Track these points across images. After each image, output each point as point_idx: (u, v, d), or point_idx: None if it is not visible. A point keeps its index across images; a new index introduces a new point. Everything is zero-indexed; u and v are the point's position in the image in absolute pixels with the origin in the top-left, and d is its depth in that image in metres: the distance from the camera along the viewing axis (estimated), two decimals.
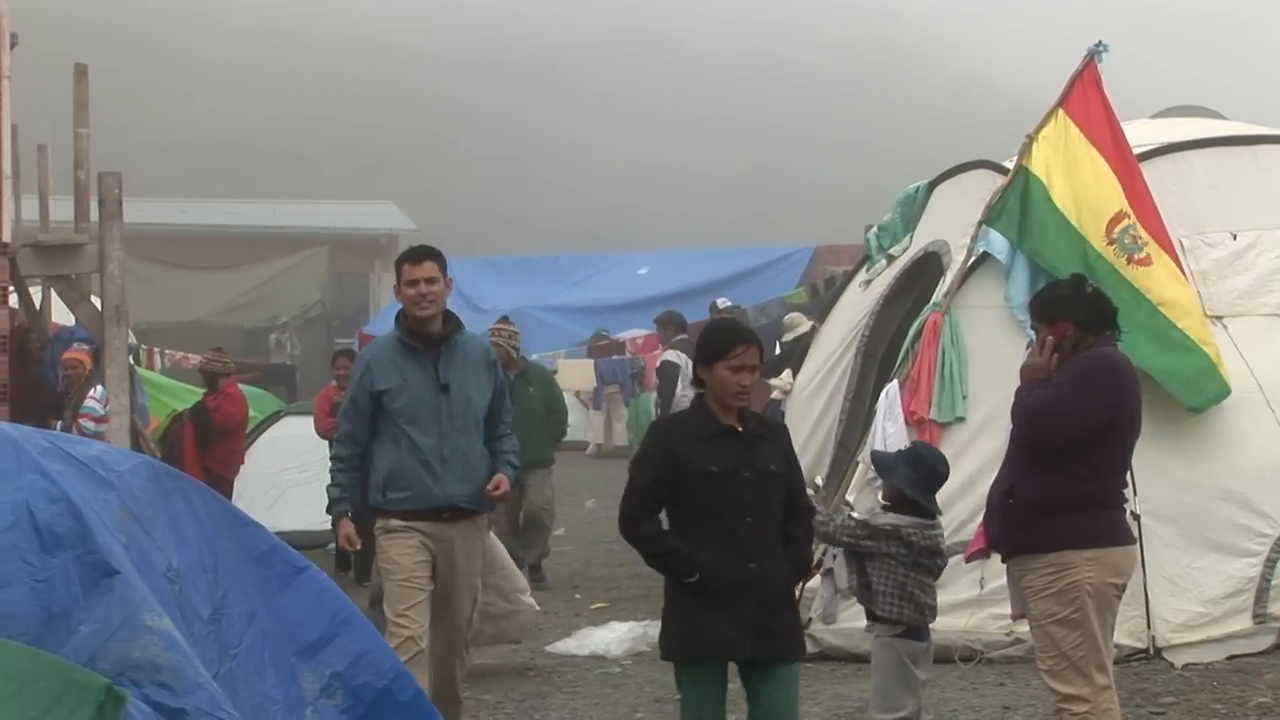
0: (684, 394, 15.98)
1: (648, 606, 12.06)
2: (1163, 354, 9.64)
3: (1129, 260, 9.79)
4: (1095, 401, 6.43)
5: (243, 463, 14.59)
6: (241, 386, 15.66)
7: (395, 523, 7.67)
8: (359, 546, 8.16)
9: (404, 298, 7.73)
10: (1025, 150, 10.16)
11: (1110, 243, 9.83)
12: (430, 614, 7.83)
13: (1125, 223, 9.87)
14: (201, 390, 16.04)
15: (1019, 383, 6.69)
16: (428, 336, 7.70)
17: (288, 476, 15.21)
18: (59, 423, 12.75)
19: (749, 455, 6.10)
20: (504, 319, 13.73)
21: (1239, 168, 10.73)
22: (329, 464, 8.02)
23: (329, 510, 8.07)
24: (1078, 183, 10.02)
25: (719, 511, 6.04)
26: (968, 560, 8.06)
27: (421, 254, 7.75)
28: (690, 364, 16.05)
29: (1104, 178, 10.03)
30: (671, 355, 16.25)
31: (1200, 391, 9.71)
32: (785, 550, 6.16)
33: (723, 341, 6.18)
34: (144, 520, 5.18)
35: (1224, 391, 9.74)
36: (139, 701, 4.56)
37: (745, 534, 6.03)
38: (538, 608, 10.02)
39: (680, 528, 6.15)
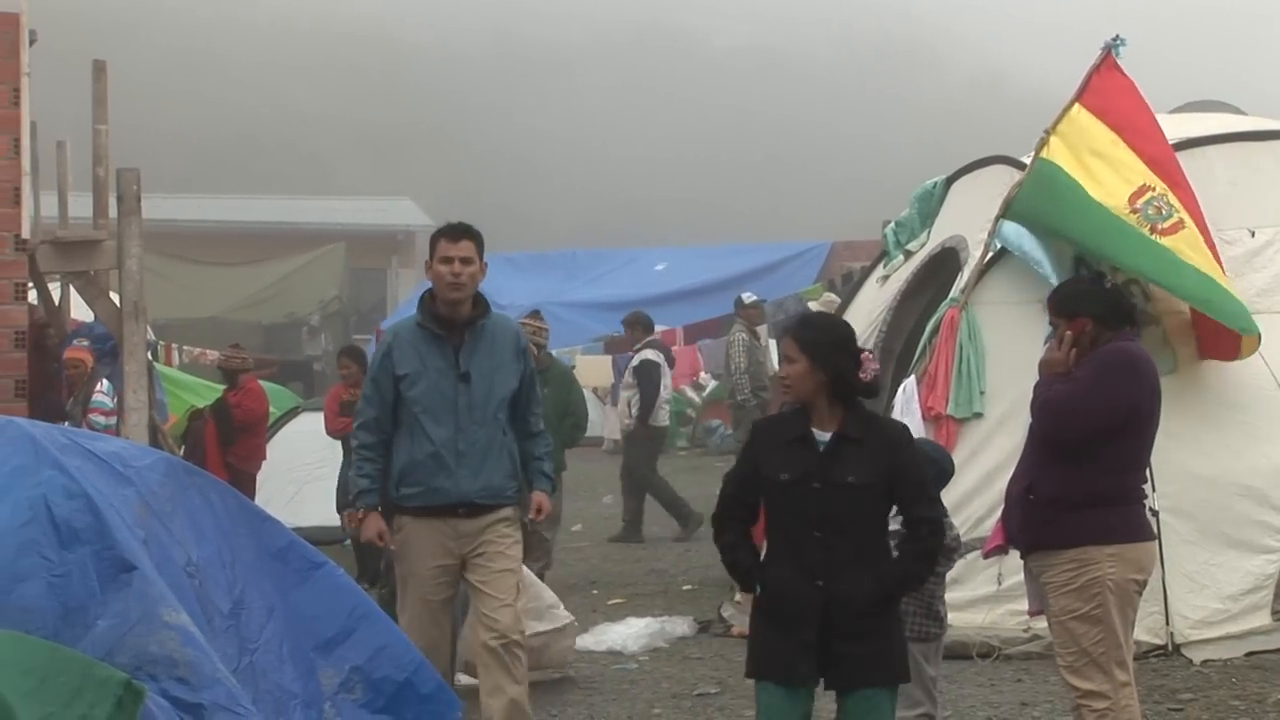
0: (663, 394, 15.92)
1: (664, 603, 12.07)
2: (1204, 290, 9.59)
3: (1152, 230, 9.71)
4: (1114, 397, 6.42)
5: (265, 458, 14.61)
6: (260, 382, 15.68)
7: (408, 520, 7.24)
8: (393, 545, 7.53)
9: (435, 275, 7.25)
10: (1042, 144, 10.13)
11: (1133, 212, 9.76)
12: (467, 620, 7.41)
13: (1149, 195, 9.78)
14: (219, 386, 16.06)
15: (1037, 378, 6.68)
16: (451, 322, 7.23)
17: (305, 472, 15.22)
18: (66, 422, 12.74)
19: (822, 464, 5.62)
20: (534, 314, 13.45)
21: (1258, 164, 10.69)
22: (354, 454, 7.45)
23: (354, 502, 7.41)
24: (1097, 164, 9.97)
25: (787, 523, 5.66)
26: (985, 556, 8.03)
27: (460, 231, 7.26)
28: (666, 363, 16.00)
29: (1125, 156, 9.97)
30: (650, 354, 16.08)
31: (1244, 319, 9.56)
32: (879, 566, 5.65)
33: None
34: (163, 515, 5.20)
35: (1256, 330, 9.61)
36: (156, 696, 4.57)
37: (812, 549, 5.59)
38: (574, 621, 9.63)
39: (768, 533, 5.77)
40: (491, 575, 7.22)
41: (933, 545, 5.78)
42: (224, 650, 5.12)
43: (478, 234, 7.31)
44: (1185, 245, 9.66)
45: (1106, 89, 10.11)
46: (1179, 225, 9.71)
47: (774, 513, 5.70)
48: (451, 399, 7.16)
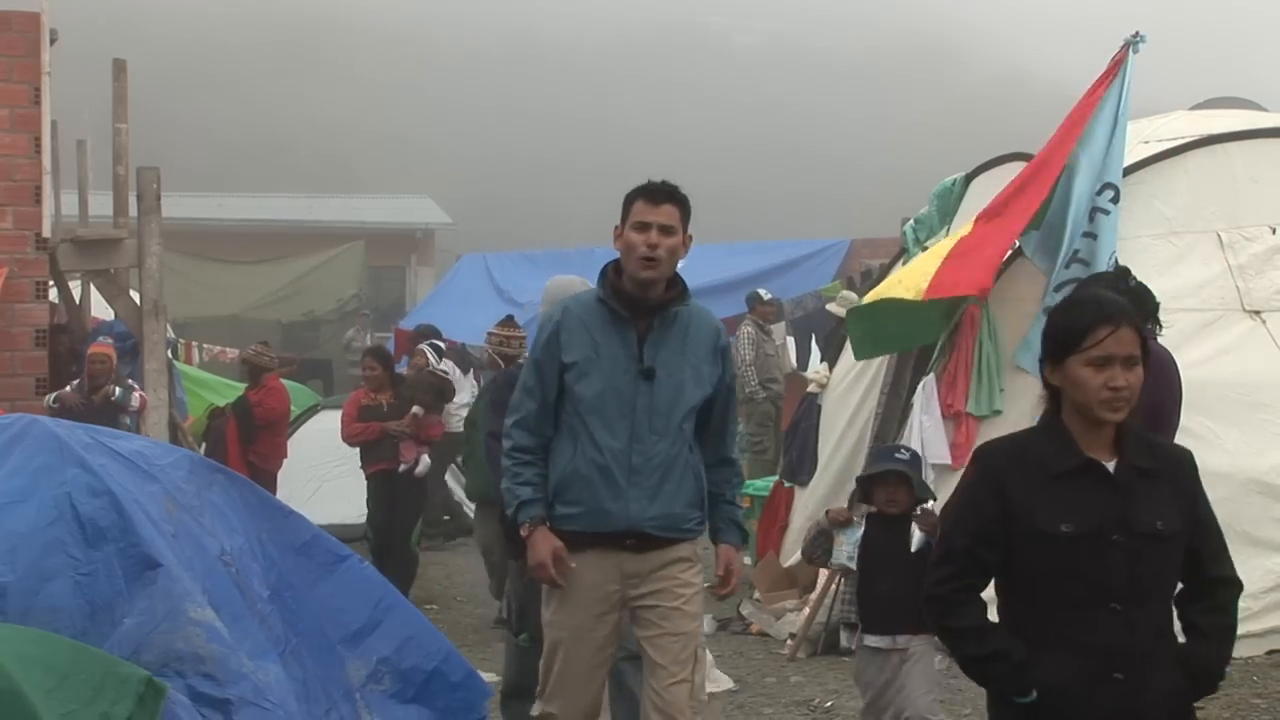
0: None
1: None
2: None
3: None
4: (1140, 394, 6.40)
5: (286, 456, 14.59)
6: (282, 380, 15.66)
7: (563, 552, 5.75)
8: (566, 575, 5.74)
9: (626, 245, 5.75)
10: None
11: None
12: (628, 690, 6.11)
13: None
14: (239, 385, 16.07)
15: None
16: (639, 303, 5.76)
17: (325, 470, 15.25)
18: (128, 419, 12.63)
19: (1123, 508, 4.01)
20: (506, 321, 11.96)
21: (1278, 161, 10.66)
22: (506, 458, 5.84)
23: (513, 517, 5.81)
24: None
25: (1070, 594, 3.99)
26: None
27: (663, 194, 5.79)
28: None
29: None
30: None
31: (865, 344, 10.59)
32: (1181, 649, 4.16)
33: (1078, 324, 4.08)
34: (191, 510, 5.23)
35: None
36: (180, 694, 4.60)
37: (1110, 629, 3.98)
38: (732, 684, 8.24)
39: (1011, 610, 4.12)
40: (665, 639, 5.76)
41: (1234, 616, 4.29)
42: (270, 633, 5.15)
43: (684, 199, 5.88)
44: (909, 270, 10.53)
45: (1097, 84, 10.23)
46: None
47: (1040, 578, 4.04)
48: (629, 399, 5.72)
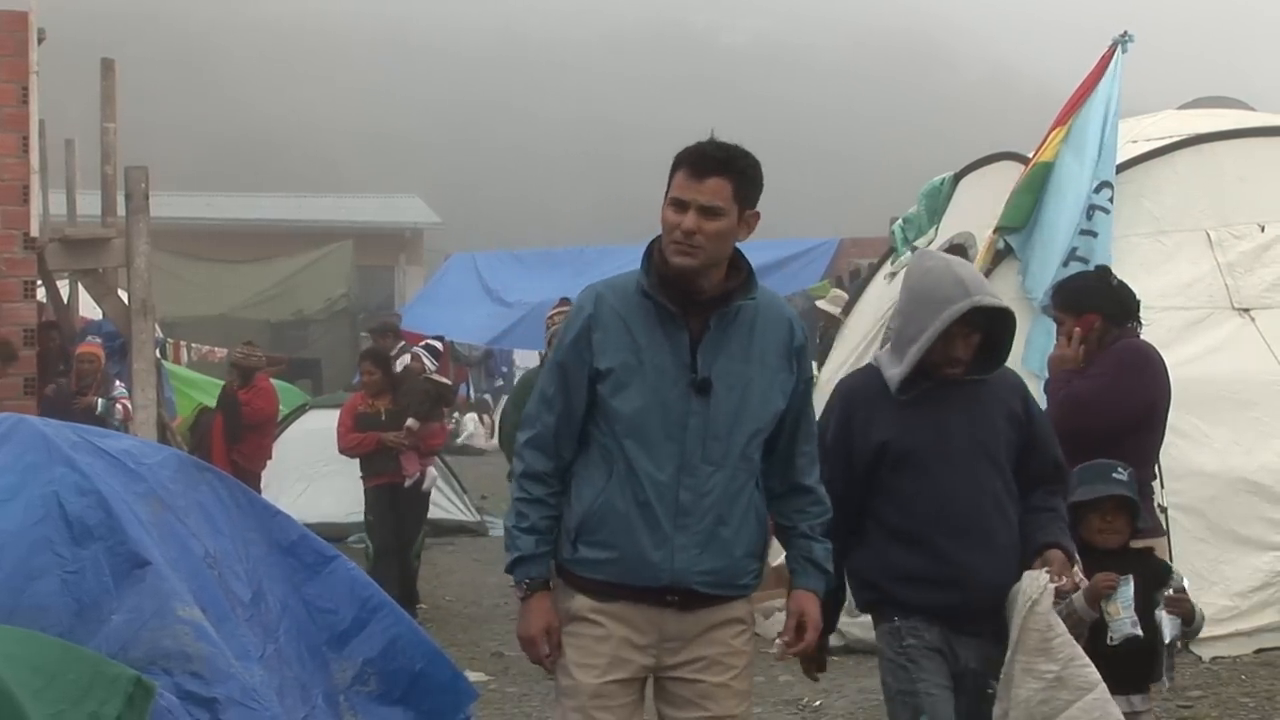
0: None
1: None
2: None
3: None
4: (1136, 392, 6.44)
5: (270, 457, 14.49)
6: (271, 381, 15.56)
7: (583, 603, 4.56)
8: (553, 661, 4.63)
9: (663, 223, 4.54)
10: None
11: None
12: None
13: None
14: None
15: (1047, 374, 6.69)
16: (691, 295, 4.53)
17: (313, 469, 15.22)
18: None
19: None
20: (565, 300, 11.23)
21: (1267, 159, 10.67)
22: (514, 486, 4.69)
23: (511, 569, 4.63)
24: None
25: None
26: None
27: (709, 164, 4.53)
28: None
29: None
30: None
31: None
32: None
33: None
34: (177, 510, 5.23)
35: None
36: (168, 693, 4.59)
37: None
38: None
39: None
40: None
41: None
42: (250, 638, 5.14)
43: (742, 168, 4.59)
44: None
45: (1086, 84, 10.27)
46: None
47: None
48: (678, 419, 4.49)
